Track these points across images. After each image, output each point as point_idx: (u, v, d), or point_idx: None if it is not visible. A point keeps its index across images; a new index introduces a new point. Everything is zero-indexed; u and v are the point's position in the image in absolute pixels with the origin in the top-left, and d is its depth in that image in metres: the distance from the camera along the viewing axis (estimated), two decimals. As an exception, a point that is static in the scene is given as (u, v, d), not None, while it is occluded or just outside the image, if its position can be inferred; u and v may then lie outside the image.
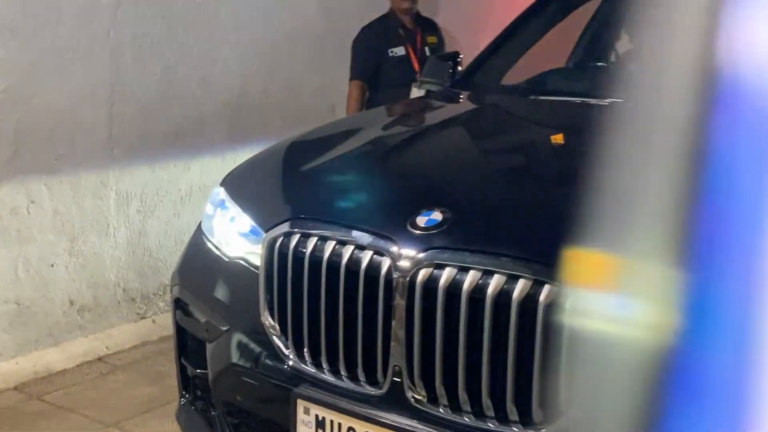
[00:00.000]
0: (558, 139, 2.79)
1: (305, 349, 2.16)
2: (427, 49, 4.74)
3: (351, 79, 4.76)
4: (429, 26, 4.92)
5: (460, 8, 5.35)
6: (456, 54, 3.30)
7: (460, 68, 3.29)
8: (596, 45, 3.66)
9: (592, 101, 2.71)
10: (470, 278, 1.88)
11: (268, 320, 2.22)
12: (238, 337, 2.31)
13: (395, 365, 1.98)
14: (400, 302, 1.95)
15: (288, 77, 4.81)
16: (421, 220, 2.02)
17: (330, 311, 2.09)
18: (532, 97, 3.10)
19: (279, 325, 2.21)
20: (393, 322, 1.97)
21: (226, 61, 4.41)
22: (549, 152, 2.70)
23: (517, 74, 3.29)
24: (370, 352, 2.04)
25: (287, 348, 2.19)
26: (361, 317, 2.03)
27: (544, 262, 1.84)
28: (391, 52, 4.70)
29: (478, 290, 1.87)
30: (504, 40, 3.36)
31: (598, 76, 3.28)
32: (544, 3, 3.41)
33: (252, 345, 2.29)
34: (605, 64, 3.52)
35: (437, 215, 2.02)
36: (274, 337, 2.21)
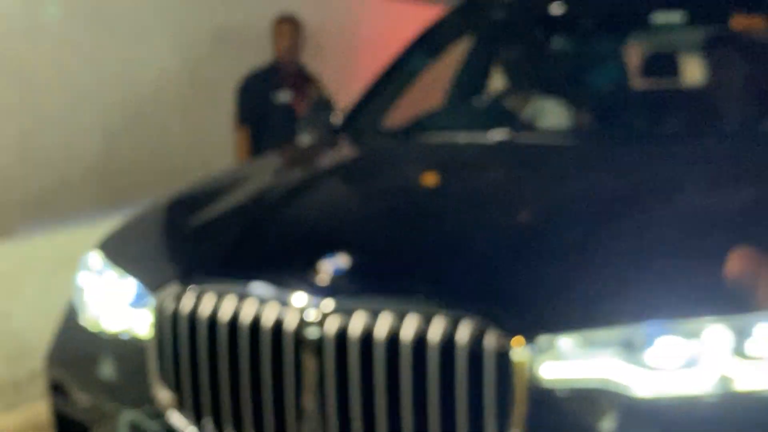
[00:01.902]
0: (441, 178, 2.67)
1: (209, 423, 1.95)
2: (312, 99, 4.70)
3: (237, 126, 4.67)
4: (313, 78, 4.90)
5: (325, 59, 5.35)
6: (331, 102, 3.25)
7: (338, 115, 3.23)
8: (469, 84, 3.63)
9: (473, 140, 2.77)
10: (384, 322, 1.72)
11: (161, 393, 2.02)
12: (129, 416, 2.11)
13: None
14: (308, 364, 1.77)
15: (156, 136, 4.62)
16: (326, 266, 1.87)
17: (233, 376, 1.89)
18: (416, 139, 3.02)
19: (178, 396, 2.01)
20: (303, 389, 1.79)
21: (89, 124, 4.19)
22: (437, 191, 2.58)
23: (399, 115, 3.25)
24: (282, 422, 1.84)
25: (187, 423, 1.99)
26: (269, 381, 1.84)
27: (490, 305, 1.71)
28: (277, 99, 4.65)
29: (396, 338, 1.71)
30: (379, 85, 3.30)
31: (475, 115, 3.28)
32: (415, 46, 3.38)
33: (146, 424, 2.08)
34: (480, 103, 3.50)
35: (341, 260, 1.88)
36: (171, 411, 2.01)
